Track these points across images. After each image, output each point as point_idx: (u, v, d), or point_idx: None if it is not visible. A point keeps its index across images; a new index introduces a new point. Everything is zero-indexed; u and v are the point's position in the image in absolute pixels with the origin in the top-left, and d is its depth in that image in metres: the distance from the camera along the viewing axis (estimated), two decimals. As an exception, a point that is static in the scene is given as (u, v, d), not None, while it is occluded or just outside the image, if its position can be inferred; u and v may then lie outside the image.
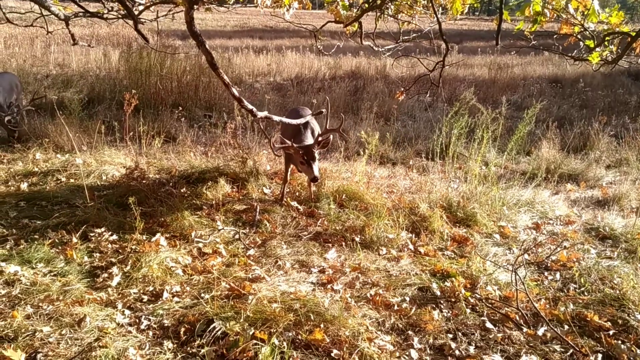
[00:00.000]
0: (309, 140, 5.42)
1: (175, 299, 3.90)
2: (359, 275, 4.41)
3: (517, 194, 6.38)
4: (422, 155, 8.41)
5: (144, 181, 5.75)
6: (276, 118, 3.17)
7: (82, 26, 25.32)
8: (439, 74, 4.63)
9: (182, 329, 3.49)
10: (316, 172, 5.19)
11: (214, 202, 5.63)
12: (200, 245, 4.75)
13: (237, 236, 4.99)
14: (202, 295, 3.92)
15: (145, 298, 3.88)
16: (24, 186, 5.74)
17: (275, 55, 19.37)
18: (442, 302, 4.08)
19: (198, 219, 5.26)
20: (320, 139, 5.33)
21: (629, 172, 7.95)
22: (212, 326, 3.45)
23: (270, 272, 4.37)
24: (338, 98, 12.80)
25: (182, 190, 5.82)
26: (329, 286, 4.19)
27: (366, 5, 4.46)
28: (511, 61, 20.69)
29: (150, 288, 4.00)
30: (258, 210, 5.50)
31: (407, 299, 4.08)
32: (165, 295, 3.90)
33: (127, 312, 3.70)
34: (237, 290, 3.91)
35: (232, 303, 3.75)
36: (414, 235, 5.29)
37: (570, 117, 11.33)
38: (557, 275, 4.65)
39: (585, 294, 4.30)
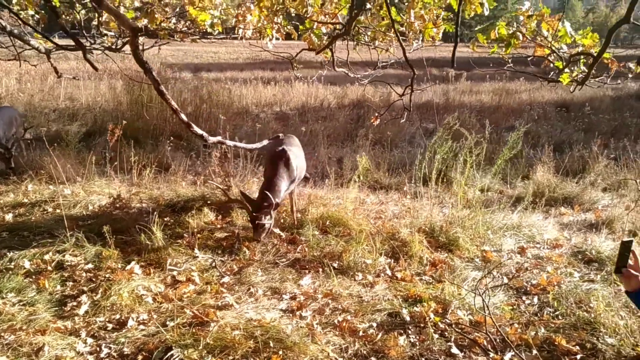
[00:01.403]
0: (280, 176, 5.44)
1: (141, 327, 3.90)
2: (330, 301, 4.38)
3: (506, 217, 6.30)
4: (413, 181, 8.37)
5: (127, 210, 5.80)
6: (230, 143, 3.21)
7: (96, 61, 25.87)
8: (410, 99, 4.62)
9: (140, 357, 3.48)
10: (256, 236, 5.30)
11: (195, 230, 5.65)
12: (175, 273, 4.75)
13: (213, 264, 4.99)
14: (168, 323, 3.91)
15: (110, 326, 3.88)
16: (9, 217, 5.82)
17: (284, 85, 19.59)
18: (410, 327, 4.02)
19: (177, 247, 5.27)
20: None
21: (626, 194, 7.84)
22: (170, 354, 3.44)
23: (241, 300, 4.35)
24: (339, 126, 12.89)
25: (165, 219, 5.85)
26: (297, 313, 4.16)
27: (337, 31, 4.52)
28: (519, 87, 20.67)
29: (117, 316, 4.00)
30: (238, 237, 5.51)
31: (375, 324, 4.03)
32: (131, 323, 3.90)
33: (89, 340, 3.70)
34: (200, 317, 3.90)
35: (194, 331, 3.74)
36: (392, 260, 5.24)
37: (571, 140, 11.25)
38: (535, 300, 4.57)
39: (560, 317, 4.22)
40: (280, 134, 6.56)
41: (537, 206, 6.79)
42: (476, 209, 6.01)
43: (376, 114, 4.89)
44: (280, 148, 5.80)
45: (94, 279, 4.57)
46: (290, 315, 4.15)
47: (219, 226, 5.91)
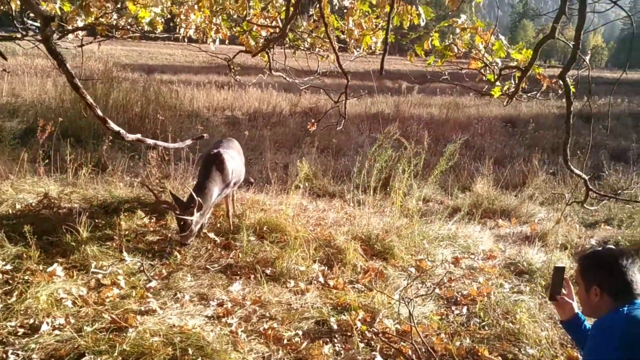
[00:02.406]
0: (212, 179, 5.35)
1: (55, 332, 3.72)
2: (258, 308, 4.30)
3: (443, 228, 6.36)
4: (359, 189, 8.38)
5: (56, 210, 5.59)
6: (150, 141, 3.10)
7: (46, 58, 25.12)
8: (344, 106, 4.59)
9: (50, 364, 3.32)
10: (183, 240, 5.14)
11: (126, 232, 5.48)
12: (100, 276, 4.58)
13: (141, 267, 4.84)
14: (85, 328, 3.75)
15: (22, 331, 3.69)
16: None
17: (237, 90, 19.44)
18: (337, 336, 3.98)
19: (106, 249, 5.10)
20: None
21: (560, 208, 8.04)
22: (82, 360, 3.30)
23: (166, 305, 4.23)
24: (289, 132, 12.85)
25: (96, 220, 5.66)
26: (223, 320, 4.07)
27: (273, 34, 4.47)
28: (469, 102, 21.09)
29: (31, 321, 3.81)
30: (170, 241, 5.37)
31: (301, 333, 3.97)
32: (45, 328, 3.72)
33: (-4, 345, 3.52)
34: (118, 323, 3.76)
35: (110, 336, 3.59)
36: (326, 267, 5.20)
37: (513, 155, 11.50)
38: (464, 310, 4.60)
39: (486, 328, 4.25)
40: (224, 139, 6.47)
41: (474, 218, 6.87)
42: (413, 218, 6.04)
43: (312, 121, 4.85)
44: (215, 151, 5.70)
45: (10, 281, 4.35)
46: (216, 322, 4.05)
47: (151, 229, 5.75)
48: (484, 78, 4.57)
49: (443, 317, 4.46)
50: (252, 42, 4.75)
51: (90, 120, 10.42)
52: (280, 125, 13.68)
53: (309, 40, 5.22)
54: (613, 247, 2.67)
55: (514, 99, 4.48)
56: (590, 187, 3.90)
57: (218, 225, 6.07)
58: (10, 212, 5.83)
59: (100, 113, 2.78)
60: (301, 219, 6.49)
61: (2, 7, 6.13)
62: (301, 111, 16.74)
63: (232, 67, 5.36)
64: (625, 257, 2.42)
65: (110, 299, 4.23)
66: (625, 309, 2.29)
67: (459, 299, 4.81)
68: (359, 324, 4.08)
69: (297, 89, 19.95)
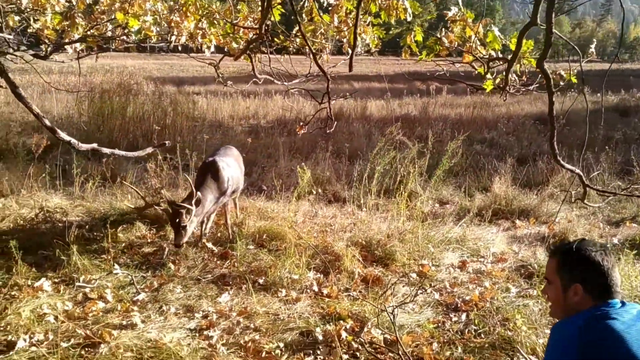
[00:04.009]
0: (207, 187, 5.26)
1: (32, 348, 3.65)
2: (243, 320, 4.15)
3: (452, 230, 6.10)
4: (371, 193, 8.18)
5: (53, 224, 5.58)
6: (106, 150, 3.00)
7: (84, 75, 25.63)
8: (328, 107, 4.40)
9: (17, 382, 3.24)
10: (176, 241, 4.98)
11: (123, 244, 5.43)
12: (88, 290, 4.51)
13: (132, 280, 4.75)
14: (62, 344, 3.67)
15: (-3, 348, 3.64)
16: None
17: (263, 99, 19.47)
18: (320, 347, 3.80)
19: (99, 262, 5.05)
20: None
21: (583, 206, 7.64)
22: (48, 378, 3.21)
23: (150, 319, 4.12)
24: (307, 138, 12.70)
25: (95, 233, 5.62)
26: (205, 332, 3.93)
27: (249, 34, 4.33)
28: (499, 101, 20.59)
29: (9, 337, 3.75)
30: (166, 252, 5.28)
31: (283, 344, 3.80)
32: (21, 344, 3.66)
33: (-32, 363, 3.46)
34: (92, 338, 3.66)
35: (82, 353, 3.50)
36: (322, 275, 5.02)
37: (540, 153, 11.06)
38: (463, 317, 4.36)
39: (482, 336, 4.00)
40: (225, 146, 6.40)
41: (485, 219, 6.58)
42: (417, 221, 5.80)
43: (301, 124, 4.69)
44: (211, 159, 5.61)
45: (-4, 297, 4.32)
46: (197, 335, 3.92)
47: (149, 240, 5.68)
48: (476, 72, 4.36)
49: (439, 324, 4.23)
50: (235, 45, 4.63)
51: (109, 133, 10.55)
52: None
53: (297, 41, 5.06)
54: (592, 241, 2.34)
55: (509, 91, 4.26)
56: (587, 182, 3.65)
57: (219, 234, 5.96)
58: (11, 227, 5.85)
59: (48, 123, 2.69)
60: (307, 225, 6.34)
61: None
62: (327, 116, 16.58)
63: (218, 72, 5.24)
64: (608, 253, 2.17)
65: (94, 313, 4.15)
66: (592, 312, 2.05)
67: (459, 305, 4.56)
68: (344, 335, 3.88)
69: (321, 95, 19.91)
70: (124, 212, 6.22)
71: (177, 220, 4.89)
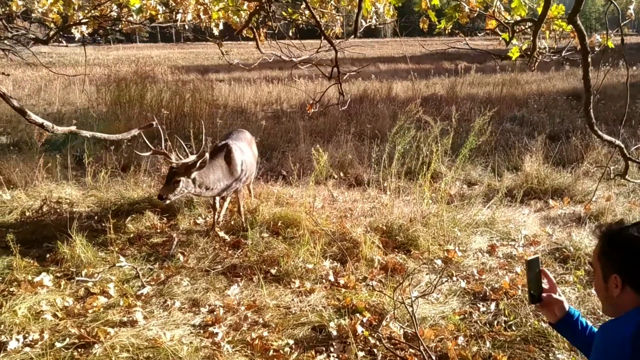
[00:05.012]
0: (215, 168, 5.03)
1: (26, 349, 3.41)
2: (251, 314, 3.85)
3: (480, 212, 5.70)
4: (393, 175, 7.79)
5: (58, 216, 5.36)
6: (86, 133, 2.71)
7: (105, 66, 25.68)
8: (338, 81, 4.02)
9: (3, 387, 3.00)
10: (161, 190, 4.72)
11: (131, 235, 5.18)
12: (90, 284, 4.26)
13: (137, 273, 4.49)
14: (57, 344, 3.42)
15: (-12, 349, 3.40)
16: None
17: (287, 83, 19.19)
18: (335, 343, 3.47)
19: (105, 254, 4.80)
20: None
21: (624, 184, 7.14)
22: (36, 382, 2.96)
23: (152, 315, 3.85)
24: (331, 121, 12.36)
25: (103, 224, 5.38)
26: (210, 329, 3.64)
27: (252, 7, 3.99)
28: (530, 78, 19.93)
29: (3, 337, 3.52)
30: (175, 242, 5.02)
31: (293, 341, 3.49)
32: (14, 345, 3.42)
33: (-45, 366, 3.23)
34: (85, 337, 3.40)
35: (74, 353, 3.24)
36: (339, 264, 4.69)
37: (571, 130, 10.50)
38: (492, 306, 3.98)
39: (513, 328, 3.62)
40: (237, 130, 6.11)
41: (516, 199, 6.13)
42: (442, 203, 5.41)
43: (311, 102, 4.34)
44: (223, 142, 5.33)
45: (-5, 294, 4.10)
46: (201, 331, 3.64)
47: (159, 230, 5.42)
48: (500, 38, 3.96)
49: (466, 316, 3.86)
50: (236, 19, 4.30)
51: (126, 121, 10.34)
52: (322, 115, 13.19)
53: (307, 13, 4.70)
54: None
55: (538, 59, 3.85)
56: (629, 155, 3.23)
57: (232, 222, 5.67)
58: (19, 219, 5.66)
59: (16, 104, 2.41)
60: (326, 211, 6.01)
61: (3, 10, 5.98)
62: (351, 99, 16.22)
63: (221, 49, 4.90)
64: None
65: (94, 310, 3.89)
66: None
67: (488, 293, 4.18)
68: (360, 329, 3.55)
69: (349, 78, 19.55)
70: (134, 202, 5.97)
71: (174, 171, 4.68)
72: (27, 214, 5.78)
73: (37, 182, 6.64)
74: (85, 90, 16.20)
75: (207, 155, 4.73)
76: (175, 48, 46.95)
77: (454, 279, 4.46)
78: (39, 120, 2.49)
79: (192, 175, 4.73)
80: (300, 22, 4.79)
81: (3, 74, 7.22)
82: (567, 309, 2.01)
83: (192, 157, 4.74)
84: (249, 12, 4.24)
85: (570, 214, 6.24)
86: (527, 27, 3.73)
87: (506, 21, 3.68)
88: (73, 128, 2.62)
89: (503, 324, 3.70)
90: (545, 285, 2.04)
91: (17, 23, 5.71)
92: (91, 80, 19.01)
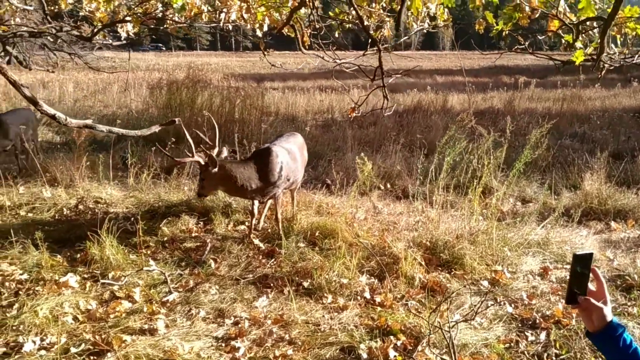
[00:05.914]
0: (249, 169, 4.95)
1: (41, 352, 3.27)
2: (277, 329, 3.60)
3: (534, 232, 5.29)
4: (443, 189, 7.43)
5: (92, 217, 5.28)
6: (102, 127, 2.55)
7: (164, 72, 26.21)
8: (382, 83, 3.75)
9: (9, 392, 2.85)
10: (196, 188, 4.86)
11: (166, 238, 5.04)
12: (116, 288, 4.11)
13: (165, 279, 4.32)
14: (71, 349, 3.27)
15: (2, 351, 3.27)
16: (-26, 220, 5.42)
17: (340, 93, 19.09)
18: (363, 368, 3.19)
19: (136, 257, 4.67)
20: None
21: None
22: (43, 390, 2.79)
23: (175, 323, 3.66)
24: (380, 131, 12.09)
25: (137, 227, 5.26)
26: (232, 343, 3.42)
27: (296, 3, 3.77)
28: (593, 94, 19.13)
29: (20, 339, 3.39)
30: (208, 248, 4.84)
31: (319, 362, 3.22)
32: (29, 347, 3.28)
33: (-32, 366, 3.12)
34: (100, 345, 3.23)
35: (87, 360, 3.07)
36: (377, 280, 4.39)
37: (638, 148, 9.86)
38: (542, 336, 3.60)
39: (564, 363, 3.25)
40: (289, 132, 5.99)
41: (573, 219, 5.68)
42: (492, 220, 5.04)
43: (353, 106, 4.09)
44: (266, 146, 5.16)
45: (20, 292, 4.00)
46: (223, 344, 3.42)
47: (193, 235, 5.26)
48: (563, 41, 3.63)
49: (512, 345, 3.51)
50: (277, 16, 4.10)
51: (175, 126, 10.34)
52: (372, 124, 12.92)
53: (354, 13, 4.45)
54: None
55: (606, 65, 3.50)
56: None
57: (269, 230, 5.46)
58: (56, 217, 5.61)
59: (28, 93, 2.28)
60: (368, 223, 5.73)
61: (53, 8, 6.00)
62: (404, 110, 15.91)
63: (262, 47, 4.70)
64: None
65: (116, 315, 3.74)
66: None
67: (538, 321, 3.80)
68: (393, 354, 3.25)
69: (404, 88, 19.27)
70: (172, 204, 5.85)
71: (200, 171, 4.85)
72: (65, 212, 5.74)
73: (79, 181, 6.62)
74: (135, 93, 16.52)
75: (215, 150, 4.85)
76: (234, 56, 47.72)
77: (501, 303, 4.09)
78: (52, 111, 2.34)
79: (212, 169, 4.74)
80: (346, 22, 4.56)
81: (48, 70, 7.31)
82: (609, 319, 1.64)
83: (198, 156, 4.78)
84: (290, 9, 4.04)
85: (635, 238, 5.74)
86: (593, 27, 3.38)
87: (571, 22, 3.34)
88: (88, 122, 2.47)
89: (554, 357, 3.32)
90: (592, 287, 1.68)
91: (64, 22, 5.72)
92: (148, 83, 19.38)
